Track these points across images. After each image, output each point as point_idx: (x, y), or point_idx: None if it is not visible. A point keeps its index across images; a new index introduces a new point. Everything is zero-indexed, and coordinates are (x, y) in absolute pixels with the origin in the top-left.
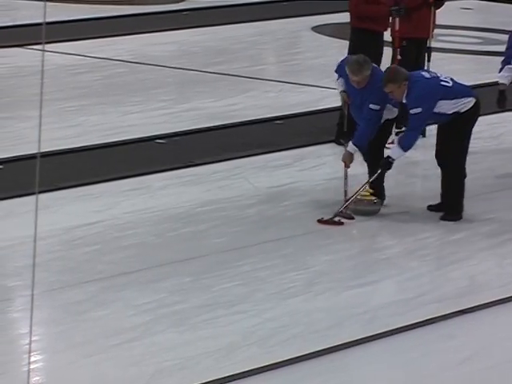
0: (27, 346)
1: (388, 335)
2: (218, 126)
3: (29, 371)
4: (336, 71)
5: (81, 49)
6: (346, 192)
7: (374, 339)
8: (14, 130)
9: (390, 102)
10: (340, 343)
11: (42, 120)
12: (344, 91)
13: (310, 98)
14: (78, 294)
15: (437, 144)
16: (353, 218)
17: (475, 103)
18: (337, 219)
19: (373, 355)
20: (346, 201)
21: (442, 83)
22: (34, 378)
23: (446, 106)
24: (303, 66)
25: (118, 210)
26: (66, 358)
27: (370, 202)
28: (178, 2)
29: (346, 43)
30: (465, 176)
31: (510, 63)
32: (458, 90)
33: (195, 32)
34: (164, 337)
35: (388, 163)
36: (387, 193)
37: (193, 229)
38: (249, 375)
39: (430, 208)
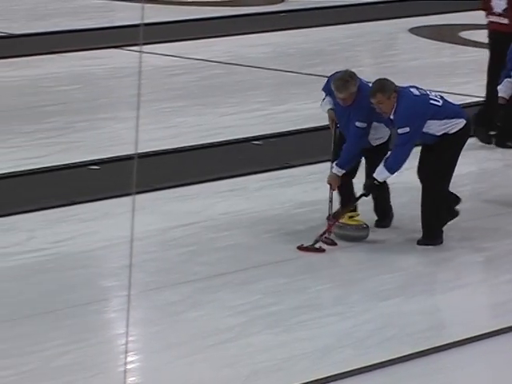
0: (124, 347)
1: (486, 337)
2: (314, 128)
3: (125, 371)
4: (323, 89)
5: (178, 50)
6: (329, 215)
7: (472, 341)
8: (111, 130)
9: (380, 120)
10: (437, 345)
11: (139, 121)
12: (332, 109)
13: None
14: (174, 294)
15: (420, 160)
16: (335, 244)
17: (465, 125)
18: (318, 246)
19: (471, 357)
20: (330, 226)
21: (432, 102)
22: (131, 378)
23: (434, 127)
24: (399, 68)
25: (213, 211)
26: (162, 359)
27: (358, 227)
28: (275, 4)
29: (444, 45)
30: (445, 198)
31: (510, 76)
32: (448, 110)
33: (291, 34)
34: (259, 338)
35: (373, 186)
36: (375, 216)
37: (288, 230)
38: (344, 377)
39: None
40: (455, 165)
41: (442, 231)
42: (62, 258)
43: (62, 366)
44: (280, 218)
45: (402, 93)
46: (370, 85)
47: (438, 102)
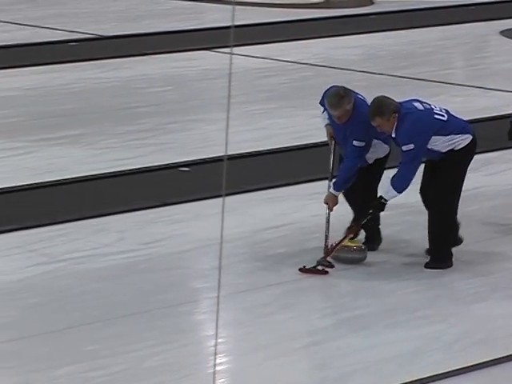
0: (213, 348)
1: None
2: None
3: (214, 373)
4: (321, 103)
5: (268, 52)
6: (326, 237)
7: None
8: (201, 132)
9: (378, 137)
10: None
11: (229, 123)
12: (329, 124)
13: (498, 102)
14: (263, 296)
15: (423, 178)
16: (333, 266)
17: (472, 140)
18: (320, 267)
19: None
20: (327, 247)
21: (437, 117)
22: (220, 380)
23: (440, 143)
24: (491, 71)
25: (304, 213)
26: (251, 361)
27: (357, 249)
28: (366, 6)
29: None
30: (454, 220)
31: None
32: (453, 125)
33: (381, 36)
34: (347, 341)
35: (380, 205)
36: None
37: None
38: (433, 380)
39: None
40: (462, 182)
41: (452, 254)
42: (153, 260)
43: (153, 366)
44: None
45: (404, 109)
46: (362, 98)
47: (443, 116)
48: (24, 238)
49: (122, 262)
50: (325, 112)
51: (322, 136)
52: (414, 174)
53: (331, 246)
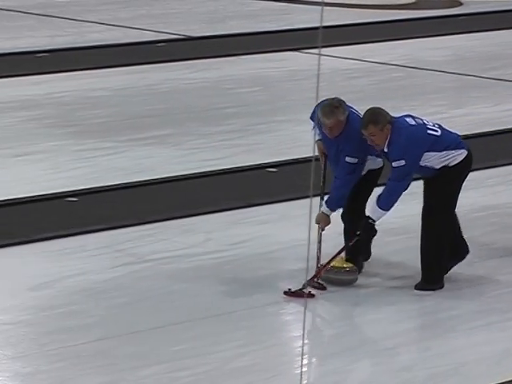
0: (300, 349)
1: None
2: (492, 132)
3: (301, 374)
4: (311, 118)
5: (357, 53)
6: (318, 258)
7: None
8: (289, 133)
9: (372, 153)
10: None
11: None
12: (320, 140)
13: None
14: (351, 297)
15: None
16: (325, 289)
17: (467, 156)
18: (307, 290)
19: None
20: (319, 268)
21: (430, 132)
22: (306, 381)
23: (433, 159)
24: None
25: (390, 214)
26: (338, 362)
27: (346, 270)
28: (455, 7)
29: None
30: (448, 238)
31: None
32: (448, 141)
33: (470, 37)
34: (436, 342)
35: (368, 225)
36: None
37: (468, 235)
38: None
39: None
40: (456, 200)
41: (443, 275)
42: (239, 260)
43: (239, 367)
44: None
45: (396, 123)
46: (356, 113)
47: (437, 131)
48: (112, 237)
49: (208, 263)
50: (315, 127)
51: None
52: (401, 192)
53: (319, 267)
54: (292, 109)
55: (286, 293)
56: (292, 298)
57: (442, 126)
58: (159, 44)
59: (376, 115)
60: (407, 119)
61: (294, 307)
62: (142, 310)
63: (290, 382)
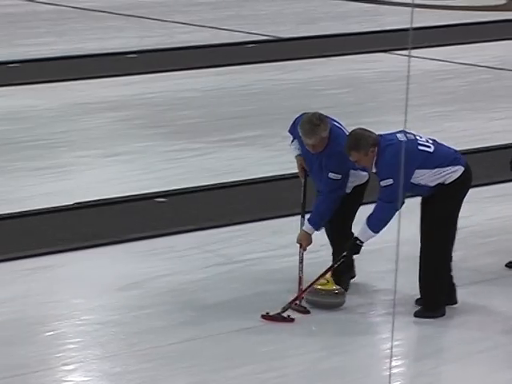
0: (389, 351)
1: None
2: None
3: (390, 376)
4: (290, 131)
5: (446, 54)
6: (300, 279)
7: None
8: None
9: (356, 168)
10: None
11: (406, 125)
12: (300, 155)
13: None
14: None
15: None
16: (308, 312)
17: (464, 172)
18: (286, 314)
19: None
20: (301, 290)
21: (421, 148)
22: (396, 383)
23: (426, 177)
24: None
25: (482, 216)
26: (427, 364)
27: (335, 293)
28: None
29: None
30: (448, 262)
31: None
32: (441, 157)
33: None
34: None
35: (356, 246)
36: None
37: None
38: None
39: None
40: (455, 220)
41: (445, 301)
42: (328, 262)
43: (328, 369)
44: None
45: (384, 141)
46: (338, 126)
47: (429, 147)
48: (201, 238)
49: (297, 264)
50: (295, 141)
51: (500, 139)
52: (392, 213)
53: (300, 289)
54: (381, 110)
55: (263, 316)
56: (271, 322)
57: (437, 141)
58: (249, 45)
59: (357, 141)
60: (398, 135)
61: (384, 309)
62: (232, 310)
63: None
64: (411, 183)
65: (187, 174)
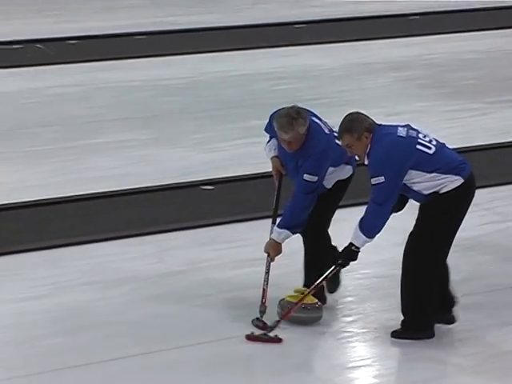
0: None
1: None
2: None
3: None
4: (266, 130)
5: None
6: (264, 291)
7: None
8: None
9: (335, 164)
10: None
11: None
12: (276, 157)
13: None
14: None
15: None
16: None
17: (462, 185)
18: (273, 334)
19: None
20: (264, 304)
21: (419, 147)
22: None
23: (420, 181)
24: None
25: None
26: None
27: (315, 307)
28: None
29: None
30: (436, 282)
31: None
32: (441, 162)
33: None
34: None
35: (352, 252)
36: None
37: None
38: None
39: None
40: (449, 236)
41: (432, 322)
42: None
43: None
44: None
45: (381, 130)
46: (317, 122)
47: (430, 148)
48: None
49: None
50: (271, 141)
51: None
52: (384, 217)
53: (288, 307)
54: None
55: (248, 336)
56: (257, 343)
57: (445, 145)
58: None
59: (351, 122)
60: (399, 128)
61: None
62: None
63: None
64: (404, 185)
65: (466, 133)
